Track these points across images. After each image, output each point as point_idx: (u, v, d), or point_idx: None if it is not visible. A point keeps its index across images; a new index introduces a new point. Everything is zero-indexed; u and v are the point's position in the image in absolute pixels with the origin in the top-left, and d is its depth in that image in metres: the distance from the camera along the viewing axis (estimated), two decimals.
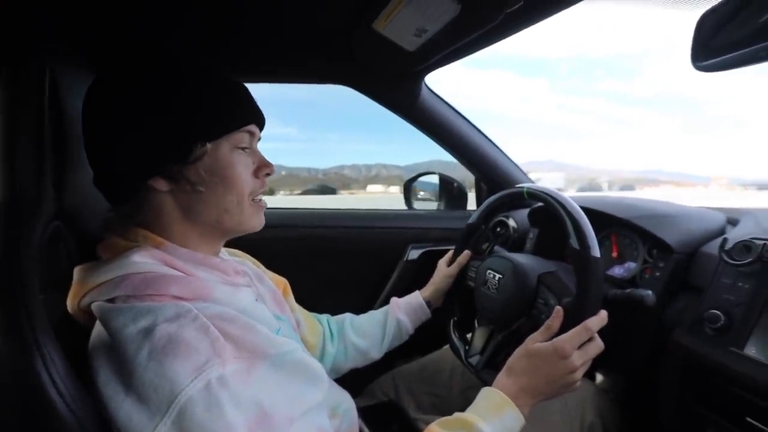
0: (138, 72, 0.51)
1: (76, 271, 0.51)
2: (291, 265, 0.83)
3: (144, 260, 0.48)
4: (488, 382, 0.60)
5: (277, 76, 0.96)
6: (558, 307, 0.62)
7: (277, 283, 0.73)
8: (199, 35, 0.74)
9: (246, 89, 0.57)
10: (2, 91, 0.51)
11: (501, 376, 0.60)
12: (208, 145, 0.50)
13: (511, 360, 0.61)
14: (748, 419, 0.53)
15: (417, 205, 1.40)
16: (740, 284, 0.58)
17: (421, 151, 1.09)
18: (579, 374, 0.57)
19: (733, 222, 0.80)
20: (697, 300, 0.64)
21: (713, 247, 0.65)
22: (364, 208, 1.27)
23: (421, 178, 1.42)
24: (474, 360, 0.80)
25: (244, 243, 0.65)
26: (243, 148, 0.54)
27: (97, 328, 0.47)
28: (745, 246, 0.59)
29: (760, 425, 0.52)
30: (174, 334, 0.41)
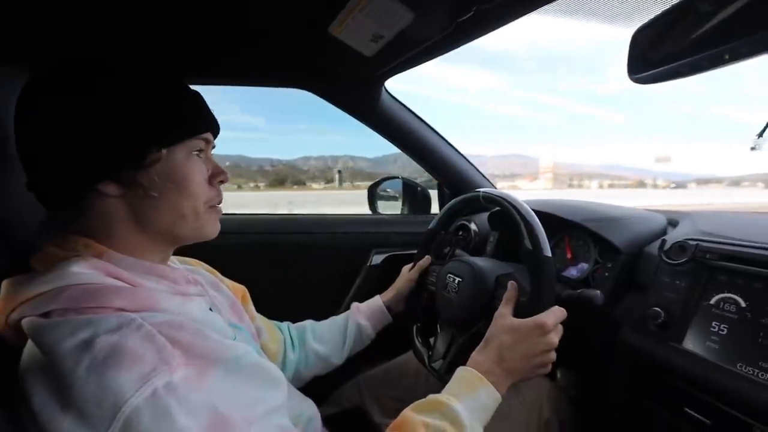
0: (90, 73, 0.48)
1: (5, 285, 0.47)
2: (251, 271, 0.81)
3: (84, 271, 0.45)
4: None
5: (235, 80, 0.94)
6: (512, 282, 0.65)
7: (235, 291, 0.71)
8: (156, 38, 0.71)
9: (201, 97, 0.56)
10: None
11: (476, 354, 0.60)
12: (163, 151, 0.49)
13: (488, 336, 0.61)
14: (687, 410, 0.57)
15: (381, 209, 1.40)
16: (677, 282, 0.62)
17: (390, 144, 1.10)
18: (554, 354, 0.58)
19: (673, 223, 0.85)
20: (642, 298, 0.68)
21: (654, 247, 0.69)
22: (329, 213, 1.26)
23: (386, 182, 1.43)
24: (437, 365, 0.80)
25: (200, 250, 0.63)
26: (198, 154, 0.53)
27: (29, 347, 0.43)
28: (681, 246, 0.63)
29: (697, 415, 0.56)
30: (116, 344, 0.39)
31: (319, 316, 0.89)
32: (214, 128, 0.56)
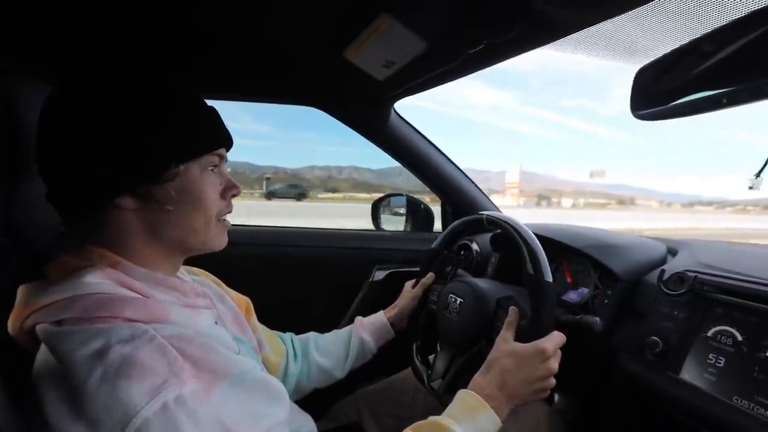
0: (112, 88, 0.49)
1: (21, 291, 0.48)
2: (255, 283, 0.82)
3: (97, 281, 0.46)
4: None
5: (249, 96, 0.97)
6: (513, 307, 0.65)
7: (239, 303, 0.71)
8: (174, 53, 0.73)
9: (217, 112, 0.57)
10: None
11: (477, 377, 0.61)
12: (180, 166, 0.50)
13: (490, 359, 0.61)
14: None
15: (384, 225, 1.41)
16: (675, 313, 0.63)
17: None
18: (553, 380, 0.59)
19: (672, 252, 0.86)
20: (640, 326, 0.69)
21: (654, 276, 0.71)
22: (333, 227, 1.27)
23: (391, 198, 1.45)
24: (436, 384, 0.80)
25: (206, 261, 0.64)
26: (212, 169, 0.55)
27: (43, 353, 0.44)
28: (680, 277, 0.65)
29: None
30: (129, 355, 0.40)
31: (321, 330, 0.89)
32: (228, 144, 0.57)
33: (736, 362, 0.55)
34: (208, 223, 0.54)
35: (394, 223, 1.42)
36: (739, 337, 0.56)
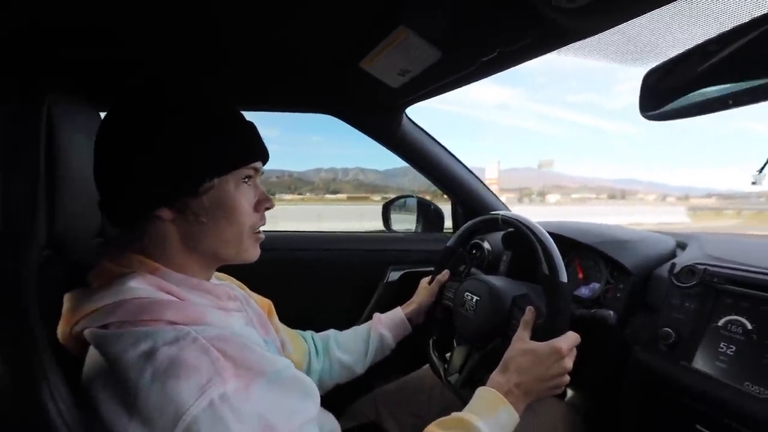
0: (156, 106, 0.52)
1: (67, 299, 0.51)
2: (272, 288, 0.83)
3: (139, 286, 0.49)
4: (467, 400, 0.63)
5: (265, 105, 1.00)
6: (530, 307, 0.68)
7: (261, 305, 0.73)
8: (195, 66, 0.77)
9: (255, 127, 0.59)
10: (1, 126, 0.52)
11: (495, 375, 0.63)
12: (216, 180, 0.53)
13: (507, 358, 0.64)
14: (698, 426, 0.60)
15: (395, 226, 1.44)
16: (687, 304, 0.65)
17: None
18: (568, 377, 0.62)
19: (682, 246, 0.89)
20: (652, 318, 0.71)
21: (665, 270, 0.73)
22: (347, 230, 1.30)
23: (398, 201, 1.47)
24: (453, 378, 0.83)
25: (225, 267, 0.67)
26: (246, 182, 0.57)
27: (93, 356, 0.47)
28: (690, 270, 0.67)
29: None
30: (175, 356, 0.42)
31: (339, 330, 0.91)
32: (264, 158, 0.59)
33: (746, 350, 0.58)
34: (240, 235, 0.56)
35: (405, 224, 1.45)
36: (749, 326, 0.58)
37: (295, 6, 0.58)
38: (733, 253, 0.73)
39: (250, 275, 0.76)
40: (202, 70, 0.80)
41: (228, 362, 0.45)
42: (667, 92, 0.56)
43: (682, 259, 0.75)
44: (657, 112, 0.57)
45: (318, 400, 0.56)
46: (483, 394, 0.61)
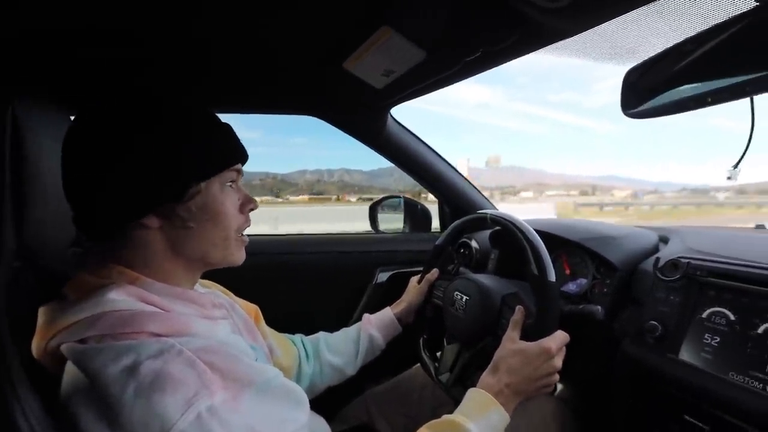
0: (133, 111, 0.51)
1: (42, 312, 0.49)
2: (260, 292, 0.83)
3: (120, 297, 0.48)
4: (458, 399, 0.63)
5: (249, 108, 0.98)
6: (519, 306, 0.69)
7: (248, 311, 0.73)
8: (173, 70, 0.75)
9: (232, 128, 0.58)
10: None
11: (486, 376, 0.64)
12: (203, 184, 0.52)
13: (497, 358, 0.64)
14: (686, 417, 0.61)
15: (383, 226, 1.44)
16: (672, 297, 0.67)
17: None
18: (557, 376, 0.63)
19: (664, 240, 0.91)
20: (638, 312, 0.72)
21: (649, 264, 0.74)
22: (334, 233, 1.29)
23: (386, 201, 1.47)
24: (444, 377, 0.83)
25: (212, 273, 0.65)
26: (231, 185, 0.56)
27: (70, 371, 0.45)
28: (674, 264, 0.68)
29: (696, 422, 0.60)
30: (160, 369, 0.41)
31: (329, 332, 0.91)
32: (244, 158, 0.58)
33: (729, 340, 0.59)
34: (227, 238, 0.56)
35: (392, 224, 1.45)
36: (732, 317, 0.60)
37: (276, 6, 0.57)
38: (713, 246, 0.75)
39: (236, 280, 0.74)
40: (181, 72, 0.78)
41: (215, 374, 0.45)
42: (647, 90, 0.57)
43: (665, 253, 0.76)
44: (638, 110, 0.58)
45: (308, 407, 0.56)
46: (473, 396, 0.62)
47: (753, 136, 0.49)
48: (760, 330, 0.56)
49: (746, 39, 0.45)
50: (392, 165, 1.19)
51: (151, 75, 0.76)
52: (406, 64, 0.70)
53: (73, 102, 0.73)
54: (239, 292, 0.74)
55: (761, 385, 0.53)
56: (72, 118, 0.63)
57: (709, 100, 0.48)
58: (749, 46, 0.45)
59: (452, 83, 0.80)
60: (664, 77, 0.56)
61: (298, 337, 0.86)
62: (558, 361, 0.62)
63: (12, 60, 0.59)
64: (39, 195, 0.56)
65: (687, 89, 0.51)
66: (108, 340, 0.44)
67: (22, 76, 0.62)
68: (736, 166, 0.54)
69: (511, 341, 0.65)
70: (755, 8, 0.42)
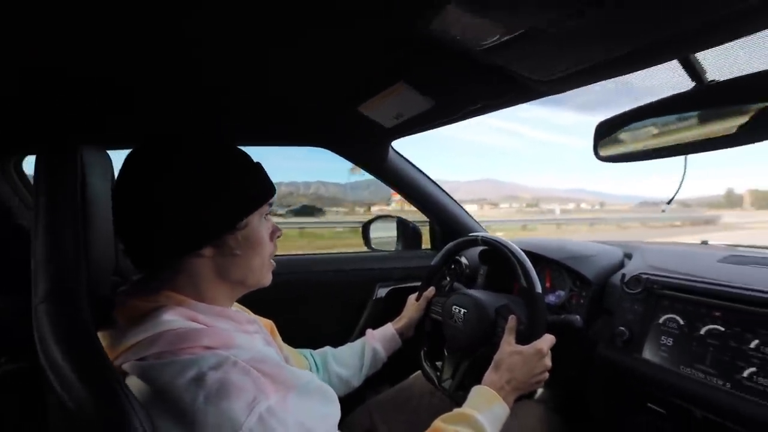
0: (190, 152, 0.57)
1: (102, 337, 0.54)
2: (268, 310, 0.85)
3: (173, 318, 0.54)
4: (461, 403, 0.72)
5: (262, 141, 1.06)
6: (512, 315, 0.80)
7: (265, 326, 0.79)
8: (201, 110, 0.82)
9: (263, 166, 0.66)
10: (44, 176, 0.55)
11: (489, 374, 0.74)
12: (248, 217, 0.60)
13: (498, 359, 0.75)
14: (649, 405, 0.74)
15: (375, 245, 1.53)
16: (635, 307, 0.81)
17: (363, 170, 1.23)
18: (547, 373, 0.74)
19: (628, 256, 1.06)
20: (610, 320, 0.86)
21: (617, 279, 0.89)
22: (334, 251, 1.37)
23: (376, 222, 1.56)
24: (447, 384, 0.93)
25: None
26: (265, 217, 0.64)
27: (135, 387, 0.50)
28: (636, 279, 0.83)
29: (656, 408, 0.74)
30: (222, 379, 0.47)
31: (333, 347, 0.97)
32: (275, 193, 0.67)
33: (680, 340, 0.73)
34: (263, 263, 0.64)
35: (385, 242, 1.54)
36: (681, 322, 0.74)
37: (304, 61, 0.65)
38: (667, 262, 0.90)
39: (244, 301, 0.80)
40: (207, 112, 0.85)
41: (267, 379, 0.51)
42: (617, 141, 0.71)
43: (630, 269, 0.91)
44: (609, 155, 0.72)
45: (338, 403, 0.62)
46: (479, 392, 0.72)
47: (683, 182, 0.63)
48: (702, 331, 0.71)
49: (682, 109, 0.59)
50: (369, 178, 1.28)
51: (180, 115, 0.83)
52: (415, 111, 0.82)
53: (110, 140, 0.80)
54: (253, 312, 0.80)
55: (703, 375, 0.67)
56: (107, 153, 0.69)
57: (658, 154, 0.62)
58: (684, 114, 0.59)
59: (451, 123, 0.92)
60: (632, 134, 0.69)
61: (307, 351, 0.93)
62: (548, 360, 0.74)
63: (77, 112, 0.65)
64: (96, 232, 0.62)
65: (643, 143, 0.65)
66: (167, 356, 0.49)
67: (84, 124, 0.68)
68: (669, 203, 0.69)
69: (509, 344, 0.76)
70: (693, 89, 0.57)
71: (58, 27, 0.48)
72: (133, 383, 0.50)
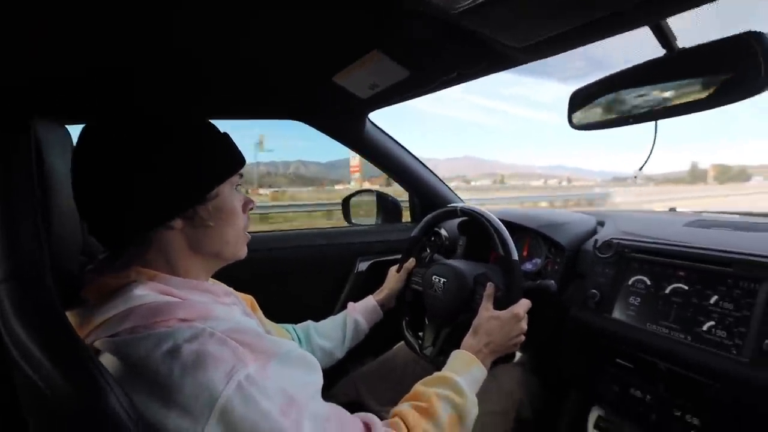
0: (152, 125, 0.54)
1: (72, 316, 0.53)
2: (248, 285, 0.86)
3: (145, 293, 0.52)
4: (441, 368, 0.74)
5: (236, 114, 1.03)
6: (489, 282, 0.82)
7: (244, 300, 0.78)
8: (171, 81, 0.78)
9: (230, 137, 0.64)
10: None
11: (468, 338, 0.77)
12: (219, 187, 0.58)
13: (476, 324, 0.77)
14: (618, 360, 0.79)
15: (355, 219, 1.53)
16: (607, 270, 0.85)
17: (342, 148, 1.22)
18: (523, 336, 0.77)
19: (601, 223, 1.10)
20: (582, 284, 0.90)
21: (589, 245, 0.92)
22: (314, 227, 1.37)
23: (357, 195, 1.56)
24: (428, 351, 0.96)
25: None
26: (237, 188, 0.63)
27: (110, 363, 0.49)
28: (608, 244, 0.86)
29: (625, 363, 0.78)
30: (199, 350, 0.46)
31: (316, 321, 0.99)
32: (244, 163, 0.65)
33: (647, 300, 0.77)
34: (238, 235, 0.63)
35: (365, 216, 1.55)
36: (648, 282, 0.78)
37: (277, 27, 0.62)
38: (637, 227, 0.94)
39: (223, 276, 0.79)
40: (178, 83, 0.81)
41: (245, 349, 0.51)
42: (591, 109, 0.72)
43: (602, 235, 0.94)
44: (583, 124, 0.73)
45: (321, 372, 0.62)
46: (458, 355, 0.74)
47: (653, 150, 0.65)
48: (667, 290, 0.75)
49: (654, 76, 0.60)
50: (345, 157, 1.27)
51: (147, 86, 0.79)
52: (391, 80, 0.80)
53: (68, 114, 0.75)
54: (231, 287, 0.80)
55: (667, 330, 0.72)
56: (67, 129, 0.66)
57: (630, 120, 0.63)
58: (656, 81, 0.60)
59: (426, 94, 0.91)
60: (599, 100, 0.70)
61: (289, 326, 0.93)
62: (524, 324, 0.77)
63: (33, 88, 0.60)
64: (57, 210, 0.59)
65: (615, 110, 0.66)
66: (141, 330, 0.48)
67: (42, 104, 0.63)
68: (641, 169, 0.71)
69: (487, 310, 0.79)
70: (663, 56, 0.57)
71: None
72: (107, 360, 0.49)
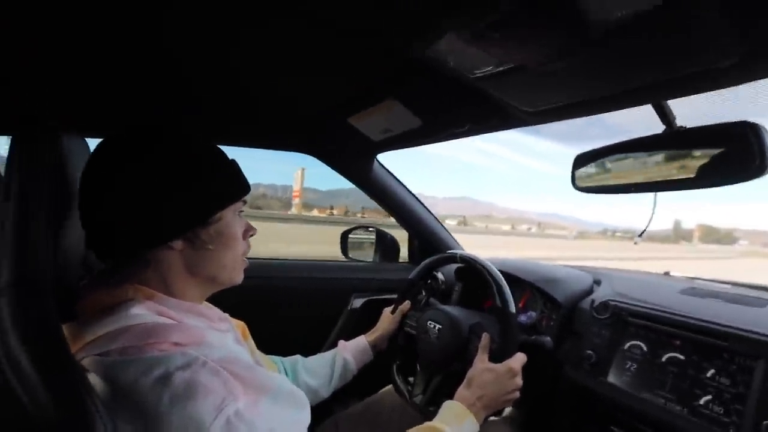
0: (165, 143, 0.55)
1: (66, 329, 0.51)
2: (238, 313, 0.81)
3: (142, 312, 0.51)
4: (431, 419, 0.72)
5: (252, 144, 1.05)
6: (485, 333, 0.81)
7: (236, 326, 0.76)
8: (186, 105, 0.81)
9: (237, 163, 0.65)
10: (20, 161, 0.52)
11: (461, 390, 0.74)
12: (222, 211, 0.59)
13: (470, 375, 0.75)
14: (612, 428, 0.77)
15: (353, 254, 1.52)
16: (603, 332, 0.84)
17: (343, 178, 1.22)
18: (518, 392, 0.75)
19: (597, 282, 1.10)
20: (578, 343, 0.89)
21: (586, 303, 0.92)
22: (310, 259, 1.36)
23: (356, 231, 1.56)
24: (418, 399, 0.93)
25: None
26: (239, 214, 0.64)
27: (97, 384, 0.47)
28: (605, 305, 0.87)
29: (618, 431, 0.76)
30: (190, 379, 0.45)
31: (304, 355, 0.96)
32: (249, 191, 0.65)
33: (643, 366, 0.77)
34: (236, 260, 0.62)
35: (362, 252, 1.54)
36: (645, 348, 0.78)
37: (302, 65, 0.65)
38: (634, 289, 0.94)
39: (218, 301, 0.78)
40: (192, 108, 0.84)
41: (237, 382, 0.50)
42: (593, 173, 0.74)
43: (599, 295, 0.95)
44: (584, 186, 0.76)
45: (309, 409, 0.61)
46: (450, 406, 0.72)
47: (653, 219, 0.67)
48: (663, 359, 0.74)
49: (653, 149, 0.63)
50: (349, 186, 1.29)
51: (163, 107, 0.82)
52: (403, 128, 0.84)
53: (92, 127, 0.77)
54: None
55: (663, 401, 0.71)
56: (86, 141, 0.67)
57: (632, 189, 0.66)
58: (655, 154, 0.63)
59: (438, 142, 0.95)
60: (602, 166, 0.73)
61: (277, 358, 0.91)
62: (519, 380, 0.76)
63: (55, 96, 0.62)
64: (67, 221, 0.59)
65: (615, 178, 0.69)
66: (132, 351, 0.47)
67: (65, 117, 0.65)
68: (641, 235, 0.73)
69: (482, 362, 0.77)
70: (663, 132, 0.61)
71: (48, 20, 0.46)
72: (94, 380, 0.48)
